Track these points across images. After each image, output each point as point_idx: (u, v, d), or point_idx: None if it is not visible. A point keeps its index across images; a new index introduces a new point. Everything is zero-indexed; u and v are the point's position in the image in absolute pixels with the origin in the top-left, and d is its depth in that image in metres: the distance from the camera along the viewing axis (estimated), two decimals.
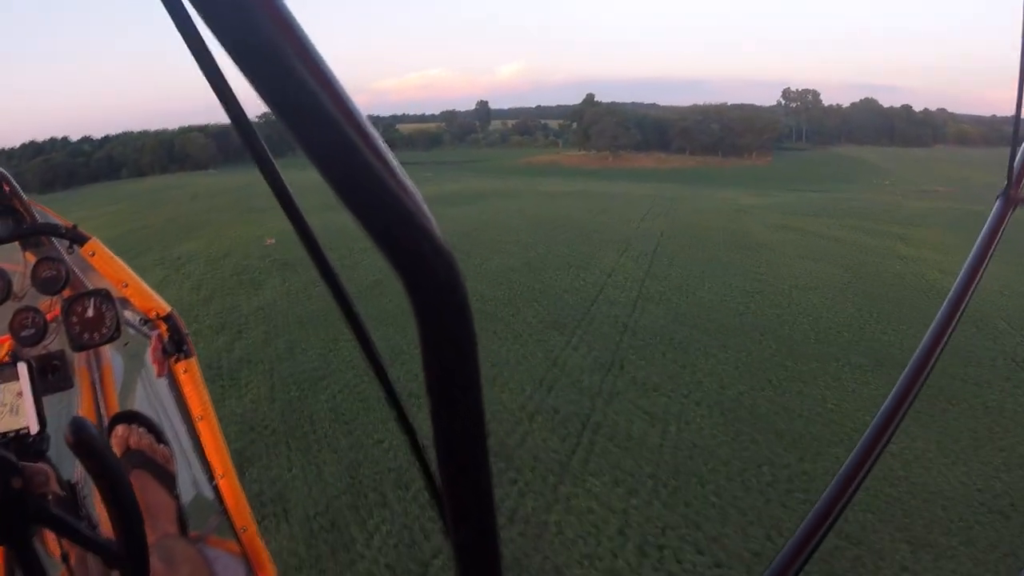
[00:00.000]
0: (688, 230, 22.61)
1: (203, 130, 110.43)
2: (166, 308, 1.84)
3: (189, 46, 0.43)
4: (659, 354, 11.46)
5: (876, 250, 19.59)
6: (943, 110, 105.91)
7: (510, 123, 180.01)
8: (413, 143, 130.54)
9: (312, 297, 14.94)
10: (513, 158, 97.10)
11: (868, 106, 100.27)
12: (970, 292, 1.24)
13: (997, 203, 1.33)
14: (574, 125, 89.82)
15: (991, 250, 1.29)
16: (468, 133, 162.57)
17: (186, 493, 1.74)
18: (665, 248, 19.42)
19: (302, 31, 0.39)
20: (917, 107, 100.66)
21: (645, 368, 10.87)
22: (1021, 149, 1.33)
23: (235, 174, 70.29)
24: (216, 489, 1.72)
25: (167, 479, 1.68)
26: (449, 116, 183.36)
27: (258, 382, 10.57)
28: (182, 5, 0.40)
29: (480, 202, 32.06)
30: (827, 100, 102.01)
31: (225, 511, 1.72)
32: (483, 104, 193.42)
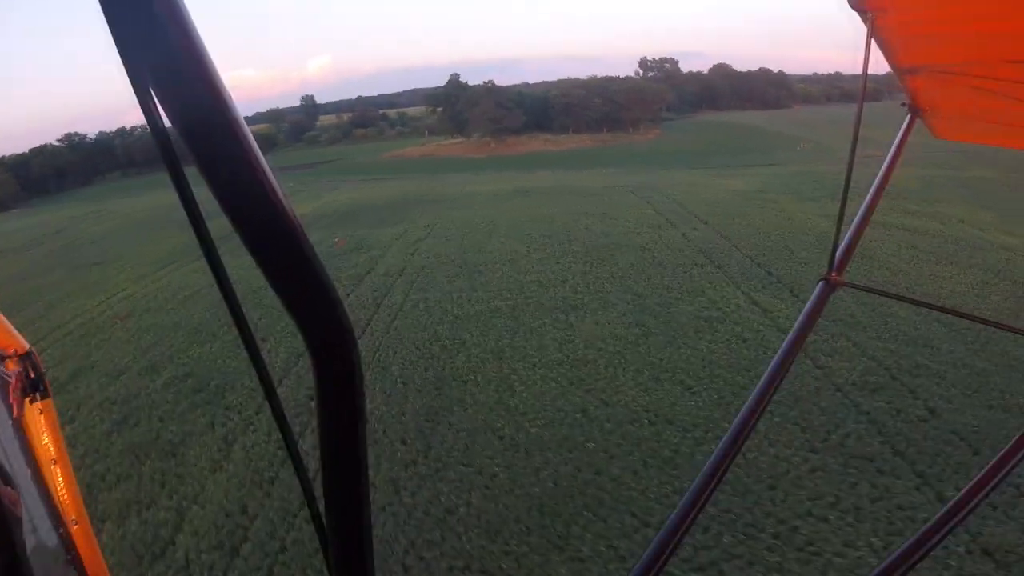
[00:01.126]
0: (757, 234, 17.24)
1: None
2: (25, 346, 1.64)
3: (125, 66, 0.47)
4: None
5: (978, 243, 15.62)
6: (766, 69, 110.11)
7: (345, 116, 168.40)
8: None
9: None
10: (372, 153, 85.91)
11: (724, 71, 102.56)
12: (790, 364, 1.72)
13: (819, 285, 1.93)
14: (439, 110, 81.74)
15: (811, 327, 1.83)
16: (303, 132, 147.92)
17: (30, 539, 1.53)
18: (787, 271, 13.80)
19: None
20: (741, 69, 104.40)
21: None
22: (843, 242, 2.00)
23: (45, 210, 53.69)
24: (66, 536, 1.58)
25: (14, 523, 1.45)
26: (275, 116, 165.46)
27: None
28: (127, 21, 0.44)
29: (416, 216, 24.53)
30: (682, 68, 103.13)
31: (75, 559, 1.60)
32: (309, 99, 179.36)
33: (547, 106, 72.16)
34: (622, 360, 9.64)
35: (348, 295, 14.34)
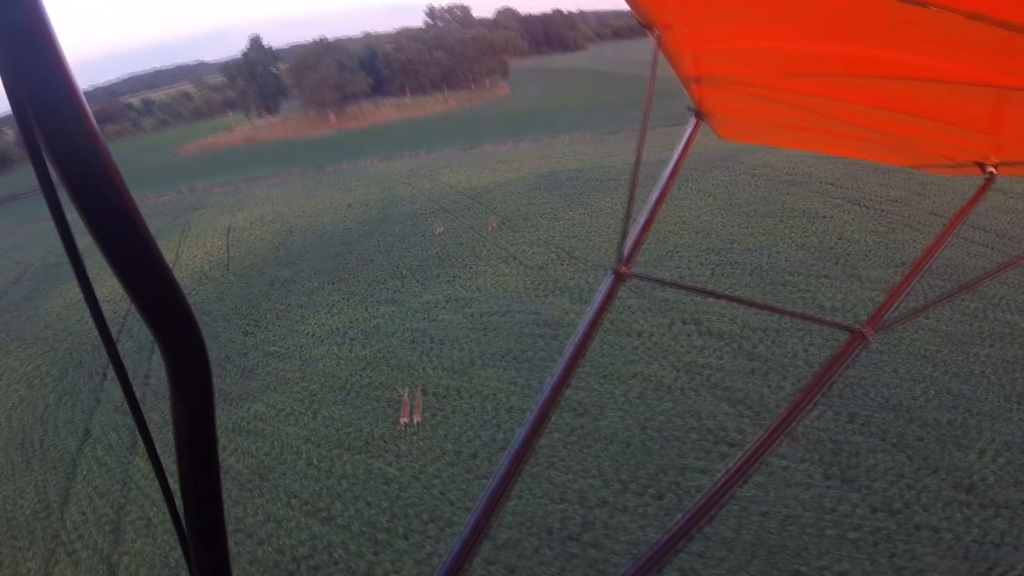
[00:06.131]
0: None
1: None
2: None
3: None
4: None
5: None
6: (559, 10, 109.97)
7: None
8: None
9: None
10: (153, 151, 66.26)
11: (513, 15, 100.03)
12: (584, 352, 1.79)
13: (608, 277, 1.98)
14: (238, 82, 67.34)
15: (601, 317, 1.88)
16: None
17: None
18: None
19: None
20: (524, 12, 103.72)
21: None
22: (630, 237, 2.06)
23: None
24: None
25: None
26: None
27: None
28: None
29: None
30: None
31: None
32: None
33: (376, 64, 64.26)
34: None
35: None
